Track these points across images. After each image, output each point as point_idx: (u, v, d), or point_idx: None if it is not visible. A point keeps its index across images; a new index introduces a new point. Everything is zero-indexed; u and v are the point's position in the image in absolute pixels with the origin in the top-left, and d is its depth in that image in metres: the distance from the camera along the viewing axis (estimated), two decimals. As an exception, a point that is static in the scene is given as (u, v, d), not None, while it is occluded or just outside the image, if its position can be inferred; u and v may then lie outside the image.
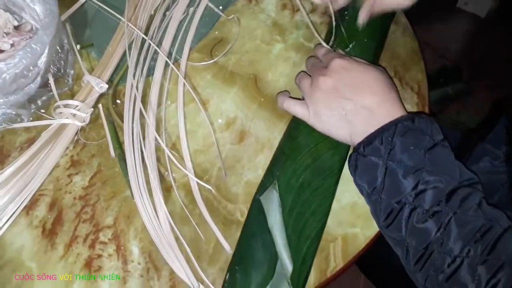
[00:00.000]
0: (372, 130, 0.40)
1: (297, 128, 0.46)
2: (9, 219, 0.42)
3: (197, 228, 0.42)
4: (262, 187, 0.44)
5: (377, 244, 0.44)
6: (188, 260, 0.41)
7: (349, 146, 0.45)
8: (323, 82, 0.42)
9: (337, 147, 0.44)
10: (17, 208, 0.43)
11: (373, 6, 0.47)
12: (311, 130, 0.44)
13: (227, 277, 0.40)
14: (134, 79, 0.50)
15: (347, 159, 0.43)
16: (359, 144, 0.40)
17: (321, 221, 0.42)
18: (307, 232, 0.41)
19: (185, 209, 0.43)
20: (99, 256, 0.41)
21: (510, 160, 0.55)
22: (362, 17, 0.48)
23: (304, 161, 0.43)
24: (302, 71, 0.48)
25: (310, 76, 0.45)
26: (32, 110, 0.49)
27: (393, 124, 0.39)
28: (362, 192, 0.41)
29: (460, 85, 1.36)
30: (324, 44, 0.50)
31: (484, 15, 1.47)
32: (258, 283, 0.39)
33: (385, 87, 0.41)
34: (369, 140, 0.39)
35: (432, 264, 0.35)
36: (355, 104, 0.40)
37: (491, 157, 0.55)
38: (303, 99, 0.46)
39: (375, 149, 0.38)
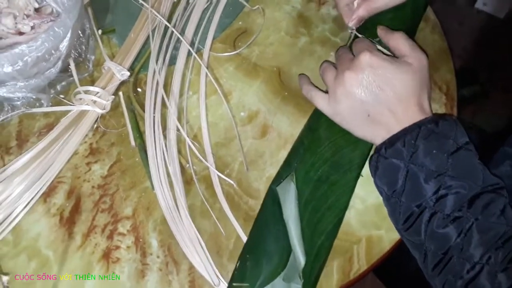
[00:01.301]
0: (395, 131, 0.39)
1: (318, 121, 0.44)
2: (26, 206, 0.42)
3: (217, 222, 0.41)
4: (279, 178, 0.43)
5: (398, 247, 0.43)
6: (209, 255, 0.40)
7: (370, 144, 0.43)
8: (348, 78, 0.40)
9: (358, 142, 0.43)
10: (35, 195, 0.42)
11: (361, 10, 0.47)
12: (332, 123, 0.43)
13: (237, 265, 0.39)
14: (156, 66, 0.49)
15: (368, 159, 0.42)
16: (381, 145, 0.39)
17: (337, 216, 0.41)
18: (322, 226, 0.40)
19: (205, 202, 0.42)
20: (117, 247, 0.41)
21: None
22: (352, 24, 0.48)
23: (324, 154, 0.42)
24: (326, 60, 0.47)
25: (335, 67, 0.44)
26: (52, 95, 0.48)
27: (417, 126, 0.38)
28: (381, 194, 0.40)
29: (476, 87, 1.34)
30: (358, 35, 0.48)
31: (503, 16, 1.45)
32: (268, 273, 0.38)
33: (413, 91, 0.39)
34: (391, 142, 0.38)
35: (451, 270, 0.35)
36: (379, 104, 0.39)
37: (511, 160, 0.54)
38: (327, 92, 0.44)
39: (397, 151, 0.37)
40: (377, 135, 0.40)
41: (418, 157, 0.36)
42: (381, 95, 0.39)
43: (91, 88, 0.48)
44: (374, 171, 0.40)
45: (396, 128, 0.39)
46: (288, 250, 0.39)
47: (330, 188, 0.41)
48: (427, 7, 0.55)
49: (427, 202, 0.36)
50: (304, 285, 0.37)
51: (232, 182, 0.44)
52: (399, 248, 0.42)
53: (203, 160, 0.43)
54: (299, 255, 0.38)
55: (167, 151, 0.43)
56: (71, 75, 0.49)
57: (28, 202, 0.42)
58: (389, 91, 0.39)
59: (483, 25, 1.47)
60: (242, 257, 0.40)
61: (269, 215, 0.41)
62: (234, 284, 0.38)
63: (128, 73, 0.49)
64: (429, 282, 0.38)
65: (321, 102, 0.43)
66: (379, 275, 0.66)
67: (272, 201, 0.42)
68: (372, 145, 0.43)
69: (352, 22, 0.47)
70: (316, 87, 0.46)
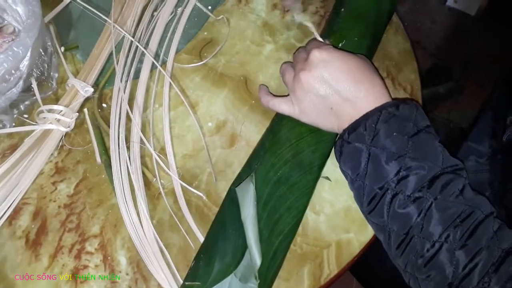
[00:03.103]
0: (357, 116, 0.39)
1: (280, 123, 0.45)
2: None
3: (186, 236, 0.41)
4: (239, 179, 0.43)
5: (370, 248, 0.43)
6: (178, 269, 0.40)
7: (331, 144, 0.44)
8: (303, 77, 0.41)
9: (318, 144, 0.43)
10: (1, 219, 0.41)
11: None
12: (293, 125, 0.44)
13: (192, 264, 0.39)
14: (121, 82, 0.49)
15: (333, 145, 0.42)
16: (344, 130, 0.40)
17: (296, 217, 0.41)
18: (280, 227, 0.40)
19: (174, 216, 0.42)
20: (86, 267, 0.40)
21: (495, 155, 0.55)
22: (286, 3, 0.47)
23: (284, 156, 0.42)
24: (285, 62, 0.47)
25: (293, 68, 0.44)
26: (15, 116, 0.48)
27: (378, 110, 0.38)
28: (346, 178, 0.41)
29: (451, 83, 1.36)
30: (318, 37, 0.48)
31: (474, 13, 1.47)
32: (220, 271, 0.38)
33: (368, 74, 0.40)
34: (353, 127, 0.39)
35: (412, 249, 0.35)
36: (339, 96, 0.40)
37: (476, 155, 0.55)
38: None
39: (359, 135, 0.38)
40: (342, 125, 0.41)
41: (379, 140, 0.37)
42: (338, 87, 0.40)
43: (54, 106, 0.47)
44: (339, 156, 0.40)
45: (359, 114, 0.39)
46: (242, 249, 0.38)
47: (289, 189, 0.41)
48: (393, 13, 0.56)
49: (389, 183, 0.36)
50: (260, 285, 0.37)
51: (201, 194, 0.44)
52: (374, 247, 0.43)
53: (167, 170, 0.43)
54: (255, 256, 0.38)
55: (129, 166, 0.43)
56: (34, 94, 0.48)
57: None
58: (345, 79, 0.40)
59: (455, 23, 1.50)
60: (196, 257, 0.39)
61: (226, 215, 0.41)
62: (186, 283, 0.38)
63: (92, 90, 0.49)
64: (405, 282, 0.38)
65: (284, 107, 0.44)
66: (356, 275, 0.66)
67: (230, 201, 0.41)
68: (332, 146, 0.44)
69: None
70: (275, 95, 0.46)
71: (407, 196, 0.35)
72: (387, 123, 0.37)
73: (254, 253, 0.37)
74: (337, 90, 0.40)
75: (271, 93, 0.47)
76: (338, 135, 0.41)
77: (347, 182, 0.41)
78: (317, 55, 0.40)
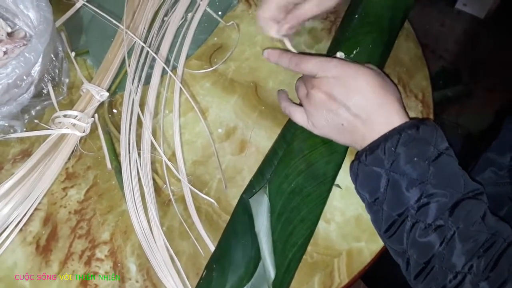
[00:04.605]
0: (371, 137, 0.38)
1: (293, 132, 0.45)
2: (6, 239, 0.41)
3: (196, 243, 0.41)
4: (250, 187, 0.43)
5: (382, 257, 0.43)
6: (187, 276, 0.39)
7: (344, 155, 0.44)
8: (314, 95, 0.40)
9: (332, 155, 0.43)
10: (15, 227, 0.41)
11: (291, 18, 0.44)
12: (306, 136, 0.43)
13: (203, 274, 0.39)
14: (132, 85, 0.49)
15: (350, 166, 0.42)
16: (362, 151, 0.39)
17: (309, 228, 0.41)
18: (294, 239, 0.40)
19: (183, 223, 0.42)
20: (95, 273, 0.40)
21: None
22: (282, 32, 0.45)
23: (298, 167, 0.42)
24: (299, 77, 0.47)
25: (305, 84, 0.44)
26: (26, 121, 0.48)
27: (397, 132, 0.37)
28: (363, 201, 0.40)
29: (460, 87, 1.35)
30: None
31: (483, 16, 1.46)
32: (234, 283, 0.37)
33: (379, 90, 0.39)
34: (371, 149, 0.38)
35: (433, 279, 0.35)
36: (349, 113, 0.39)
37: (496, 167, 0.54)
38: None
39: (377, 159, 0.37)
40: (355, 141, 0.40)
41: (399, 165, 0.36)
42: (349, 103, 0.39)
43: (70, 112, 0.47)
44: (355, 178, 0.40)
45: (371, 132, 0.38)
46: (255, 261, 0.38)
47: (303, 200, 0.41)
48: (405, 20, 0.55)
49: (409, 210, 0.35)
50: None
51: (212, 200, 0.44)
52: (387, 256, 0.42)
53: (179, 176, 0.43)
54: (269, 268, 0.38)
55: (140, 171, 0.43)
56: (45, 100, 0.48)
57: (8, 235, 0.41)
58: (355, 95, 0.39)
59: (464, 26, 1.49)
60: (208, 266, 0.39)
61: (238, 224, 0.41)
62: None
63: (107, 94, 0.49)
64: None
65: (299, 117, 0.43)
66: (368, 283, 0.66)
67: (242, 210, 0.41)
68: (345, 157, 0.43)
69: (282, 31, 0.45)
70: (294, 102, 0.46)
71: (428, 224, 0.35)
72: (407, 147, 0.36)
73: (268, 266, 0.37)
74: (347, 107, 0.39)
75: (289, 100, 0.47)
76: (355, 155, 0.40)
77: (364, 204, 0.40)
78: (328, 71, 0.40)
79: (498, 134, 0.57)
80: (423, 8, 1.45)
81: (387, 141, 0.37)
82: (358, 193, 0.41)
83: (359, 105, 0.39)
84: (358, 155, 0.40)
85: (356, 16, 0.49)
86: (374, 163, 0.38)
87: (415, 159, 0.36)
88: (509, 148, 0.56)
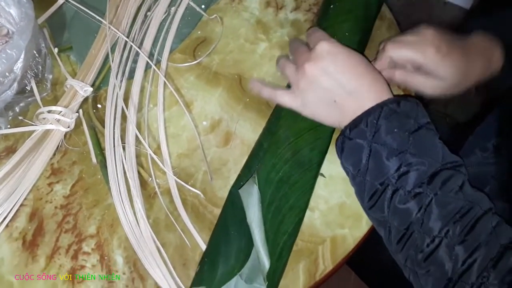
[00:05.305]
0: (360, 113, 0.40)
1: (276, 123, 0.45)
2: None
3: (182, 234, 0.41)
4: (239, 181, 0.43)
5: (367, 242, 0.43)
6: (174, 267, 0.40)
7: (329, 141, 0.44)
8: (309, 69, 0.41)
9: (317, 141, 0.43)
10: (1, 223, 0.41)
11: (407, 76, 0.44)
12: (291, 123, 0.44)
13: (197, 270, 0.39)
14: (116, 81, 0.49)
15: (335, 142, 0.42)
16: (346, 127, 0.40)
17: (298, 215, 0.41)
18: (284, 227, 0.40)
19: (169, 215, 0.42)
20: (82, 267, 0.40)
21: (499, 151, 0.55)
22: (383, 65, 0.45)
23: (284, 155, 0.42)
24: (282, 56, 0.47)
25: (293, 62, 0.44)
26: (10, 117, 0.48)
27: (379, 106, 0.39)
28: (347, 174, 0.41)
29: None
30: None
31: (469, 6, 1.48)
32: (224, 274, 0.38)
33: (371, 70, 0.41)
34: (355, 123, 0.39)
35: (412, 244, 0.36)
36: (343, 89, 0.40)
37: (480, 149, 0.55)
38: (288, 87, 0.45)
39: (360, 131, 0.39)
40: (344, 119, 0.41)
41: (380, 136, 0.37)
42: (344, 80, 0.40)
43: (53, 107, 0.47)
44: (340, 153, 0.41)
45: (361, 108, 0.40)
46: (245, 251, 0.39)
47: (291, 188, 0.41)
48: (381, 6, 0.56)
49: (390, 179, 0.37)
50: (268, 287, 0.37)
51: (198, 192, 0.44)
52: (372, 241, 0.43)
53: (165, 168, 0.43)
54: (264, 258, 0.38)
55: (125, 165, 0.43)
56: (29, 96, 0.48)
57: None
58: (350, 72, 0.40)
59: (451, 17, 1.50)
60: (200, 261, 0.40)
61: (228, 218, 0.41)
62: None
63: (91, 89, 0.49)
64: (404, 275, 0.39)
65: (286, 98, 0.43)
66: (354, 269, 0.67)
67: (231, 204, 0.42)
68: (330, 143, 0.44)
69: (381, 64, 0.45)
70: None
71: (408, 191, 0.36)
72: (388, 120, 0.38)
73: (262, 256, 0.38)
74: (342, 83, 0.40)
75: (269, 84, 0.47)
76: (339, 132, 0.41)
77: (349, 178, 0.41)
78: (324, 46, 0.40)
79: (480, 121, 0.58)
80: (410, 0, 1.45)
81: (370, 115, 0.38)
82: (343, 167, 0.41)
83: (353, 82, 0.40)
84: (342, 130, 0.41)
85: (331, 6, 0.49)
86: (357, 136, 0.39)
87: (395, 130, 0.37)
88: (494, 133, 0.57)
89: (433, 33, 0.42)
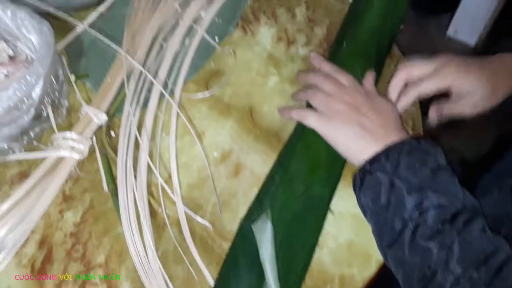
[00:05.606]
0: (383, 144, 0.41)
1: (289, 157, 0.45)
2: (2, 262, 0.41)
3: (190, 267, 0.41)
4: (250, 214, 0.43)
5: (377, 284, 0.43)
6: (181, 301, 0.40)
7: (339, 178, 0.45)
8: (346, 96, 0.44)
9: (328, 178, 0.44)
10: (11, 249, 0.41)
11: (442, 109, 0.48)
12: (302, 159, 0.44)
13: None
14: (131, 110, 0.50)
15: (353, 178, 0.43)
16: (366, 162, 0.41)
17: (309, 254, 0.41)
18: (295, 265, 0.40)
19: (178, 247, 0.42)
20: (90, 297, 0.40)
21: None
22: (432, 117, 0.49)
23: (296, 191, 0.43)
24: (301, 89, 0.49)
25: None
26: (25, 142, 0.48)
27: (400, 143, 0.40)
28: (365, 213, 0.41)
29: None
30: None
31: (473, 43, 1.50)
32: None
33: (394, 113, 0.44)
34: (375, 158, 0.40)
35: (435, 285, 0.35)
36: (371, 123, 0.42)
37: (497, 188, 0.55)
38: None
39: (381, 166, 0.39)
40: (363, 151, 0.41)
41: (401, 171, 0.38)
42: (374, 113, 0.43)
43: (68, 133, 0.48)
44: (358, 188, 0.41)
45: (380, 144, 0.41)
46: (255, 287, 0.38)
47: (302, 225, 0.42)
48: (393, 44, 0.57)
49: (410, 215, 0.36)
50: None
51: (207, 224, 0.44)
52: (381, 282, 0.43)
53: (174, 198, 0.43)
54: None
55: (136, 194, 0.43)
56: (44, 122, 0.49)
57: (3, 259, 0.41)
58: (379, 111, 0.43)
59: (456, 53, 1.52)
60: None
61: (238, 252, 0.41)
62: None
63: (106, 117, 0.50)
64: None
65: (312, 119, 0.44)
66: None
67: (242, 238, 0.42)
68: (340, 180, 0.44)
69: (432, 117, 0.49)
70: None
71: (429, 228, 0.36)
72: (409, 155, 0.39)
73: None
74: (372, 116, 0.43)
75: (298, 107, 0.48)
76: (358, 167, 0.42)
77: (365, 215, 0.41)
78: (356, 86, 0.45)
79: (493, 159, 0.58)
80: (415, 36, 1.48)
81: (391, 150, 0.40)
82: (360, 204, 0.41)
83: (383, 119, 0.43)
84: (362, 165, 0.41)
85: (345, 45, 0.51)
86: (378, 170, 0.39)
87: (417, 165, 0.38)
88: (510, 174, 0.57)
89: (446, 57, 0.45)
